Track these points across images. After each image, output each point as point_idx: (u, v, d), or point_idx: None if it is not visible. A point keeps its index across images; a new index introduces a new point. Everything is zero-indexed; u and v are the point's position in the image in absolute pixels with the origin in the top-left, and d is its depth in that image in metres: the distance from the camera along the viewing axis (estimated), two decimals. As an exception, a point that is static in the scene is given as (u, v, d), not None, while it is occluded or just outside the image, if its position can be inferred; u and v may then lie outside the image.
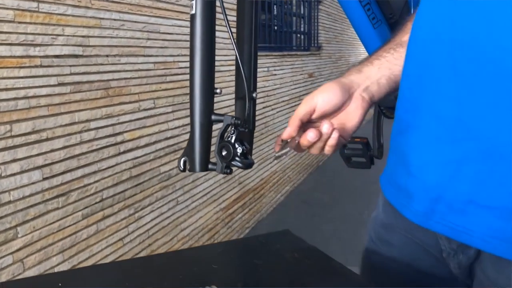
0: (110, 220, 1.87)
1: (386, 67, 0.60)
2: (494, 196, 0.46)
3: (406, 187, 0.55)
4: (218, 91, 0.74)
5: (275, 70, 3.67)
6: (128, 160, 1.96)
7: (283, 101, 3.90)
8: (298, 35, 4.62)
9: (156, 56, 2.11)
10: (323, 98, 0.58)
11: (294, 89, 4.17)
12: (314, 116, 0.60)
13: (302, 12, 4.69)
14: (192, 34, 0.71)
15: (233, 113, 0.80)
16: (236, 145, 0.70)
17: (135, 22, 1.97)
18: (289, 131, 0.60)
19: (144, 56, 2.03)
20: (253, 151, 3.32)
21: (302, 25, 4.68)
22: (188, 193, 2.44)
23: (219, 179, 2.78)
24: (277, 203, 3.78)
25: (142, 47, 2.02)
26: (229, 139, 0.71)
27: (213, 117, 0.73)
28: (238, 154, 0.70)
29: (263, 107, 3.45)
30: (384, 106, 1.23)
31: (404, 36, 0.62)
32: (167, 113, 2.20)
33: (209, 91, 0.73)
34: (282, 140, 0.62)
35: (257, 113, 3.33)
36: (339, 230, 3.20)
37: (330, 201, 3.81)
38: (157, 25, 2.11)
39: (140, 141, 2.03)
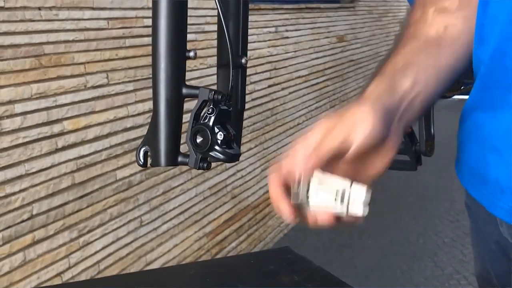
0: (43, 247, 1.93)
1: (421, 82, 0.65)
2: None
3: (497, 179, 0.63)
4: (191, 54, 0.80)
5: (287, 31, 3.72)
6: (69, 160, 2.02)
7: (299, 77, 3.95)
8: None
9: (111, 9, 2.17)
10: (365, 134, 0.57)
11: (315, 60, 4.22)
12: (344, 157, 0.59)
13: None
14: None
15: (215, 87, 0.85)
16: (216, 129, 0.76)
17: (80, -41, 2.03)
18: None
19: (93, 9, 2.09)
20: (255, 150, 3.39)
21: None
22: (157, 210, 2.50)
23: (203, 190, 2.84)
24: (288, 228, 3.84)
25: (90, -4, 2.08)
26: (207, 121, 0.77)
27: (184, 90, 0.79)
28: (219, 141, 0.76)
29: (269, 86, 3.51)
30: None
31: (430, 30, 0.69)
32: (127, 92, 2.26)
33: (179, 54, 0.79)
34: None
35: (261, 93, 3.39)
36: (377, 267, 3.27)
37: (362, 227, 3.87)
38: (112, -36, 2.17)
39: (87, 132, 2.09)
